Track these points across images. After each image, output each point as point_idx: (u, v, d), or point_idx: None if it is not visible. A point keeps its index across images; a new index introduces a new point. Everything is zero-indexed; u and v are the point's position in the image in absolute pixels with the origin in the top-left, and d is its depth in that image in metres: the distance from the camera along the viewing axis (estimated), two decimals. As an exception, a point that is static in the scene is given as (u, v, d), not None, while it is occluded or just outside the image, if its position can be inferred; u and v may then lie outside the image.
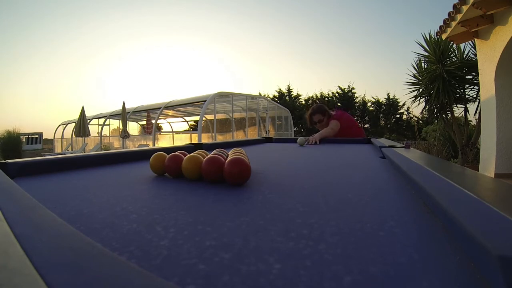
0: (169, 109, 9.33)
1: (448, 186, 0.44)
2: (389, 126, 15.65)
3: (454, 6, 3.60)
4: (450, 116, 5.48)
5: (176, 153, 0.72)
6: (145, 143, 10.01)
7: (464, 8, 3.44)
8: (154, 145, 8.70)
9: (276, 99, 16.30)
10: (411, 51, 13.17)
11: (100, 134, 11.37)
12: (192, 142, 1.65)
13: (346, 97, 16.24)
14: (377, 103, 16.02)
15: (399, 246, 0.29)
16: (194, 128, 14.69)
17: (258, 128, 9.79)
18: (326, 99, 16.30)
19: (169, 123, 13.17)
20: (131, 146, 10.27)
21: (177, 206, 0.45)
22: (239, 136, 9.97)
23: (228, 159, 0.63)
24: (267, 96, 15.86)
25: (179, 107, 9.18)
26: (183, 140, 11.30)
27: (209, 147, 1.53)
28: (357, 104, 16.36)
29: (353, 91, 16.39)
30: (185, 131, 14.45)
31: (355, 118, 15.32)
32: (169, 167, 0.70)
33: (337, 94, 16.61)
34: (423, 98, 5.63)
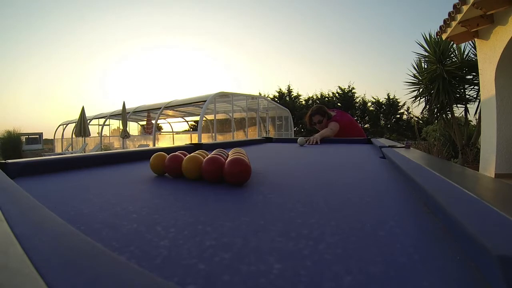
0: (169, 109, 9.34)
1: (448, 186, 0.44)
2: (389, 126, 15.64)
3: (454, 6, 3.60)
4: (450, 116, 5.48)
5: (176, 153, 0.72)
6: (145, 143, 10.01)
7: (464, 8, 3.44)
8: (154, 145, 8.71)
9: (276, 99, 16.29)
10: (411, 51, 13.18)
11: (100, 134, 11.38)
12: (192, 142, 1.65)
13: (346, 97, 16.22)
14: (377, 103, 16.01)
15: (399, 246, 0.29)
16: (194, 128, 14.69)
17: (258, 128, 9.79)
18: (326, 99, 16.30)
19: (169, 123, 13.17)
20: (131, 146, 10.28)
21: (177, 206, 0.45)
22: (239, 136, 9.97)
23: (228, 159, 0.63)
24: (267, 96, 15.85)
25: (179, 107, 9.18)
26: (183, 140, 11.31)
27: (209, 147, 1.53)
28: (357, 104, 16.34)
29: (353, 91, 16.39)
30: (185, 131, 14.46)
31: (355, 118, 15.31)
32: (169, 167, 0.70)
33: (337, 94, 16.60)
34: (423, 98, 5.63)
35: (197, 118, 10.60)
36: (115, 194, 0.53)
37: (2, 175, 0.52)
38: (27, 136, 13.59)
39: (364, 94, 18.44)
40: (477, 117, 5.20)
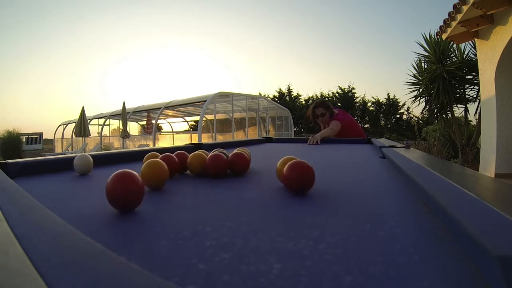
0: (169, 109, 9.34)
1: (448, 186, 0.44)
2: (389, 126, 15.64)
3: (454, 6, 3.60)
4: (450, 116, 5.48)
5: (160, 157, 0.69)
6: (145, 143, 10.01)
7: (464, 8, 3.44)
8: (154, 145, 8.71)
9: (276, 99, 16.29)
10: (411, 51, 13.16)
11: (100, 134, 11.38)
12: (192, 142, 1.65)
13: (346, 97, 16.23)
14: (377, 103, 16.01)
15: (399, 246, 0.29)
16: (194, 128, 14.69)
17: (258, 128, 9.79)
18: (326, 99, 16.31)
19: (169, 123, 13.17)
20: (131, 146, 10.27)
21: (177, 206, 0.45)
22: (239, 136, 9.97)
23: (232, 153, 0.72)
24: (267, 96, 15.85)
25: (179, 107, 9.18)
26: (183, 140, 11.31)
27: (209, 147, 1.53)
28: (357, 104, 16.34)
29: (353, 91, 16.39)
30: (185, 131, 14.47)
31: (355, 118, 15.32)
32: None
33: (337, 94, 16.60)
34: (423, 98, 5.63)
35: (197, 118, 10.60)
36: (115, 194, 0.53)
37: (2, 175, 0.52)
38: (27, 136, 13.60)
39: (364, 94, 18.47)
40: (477, 117, 5.20)
